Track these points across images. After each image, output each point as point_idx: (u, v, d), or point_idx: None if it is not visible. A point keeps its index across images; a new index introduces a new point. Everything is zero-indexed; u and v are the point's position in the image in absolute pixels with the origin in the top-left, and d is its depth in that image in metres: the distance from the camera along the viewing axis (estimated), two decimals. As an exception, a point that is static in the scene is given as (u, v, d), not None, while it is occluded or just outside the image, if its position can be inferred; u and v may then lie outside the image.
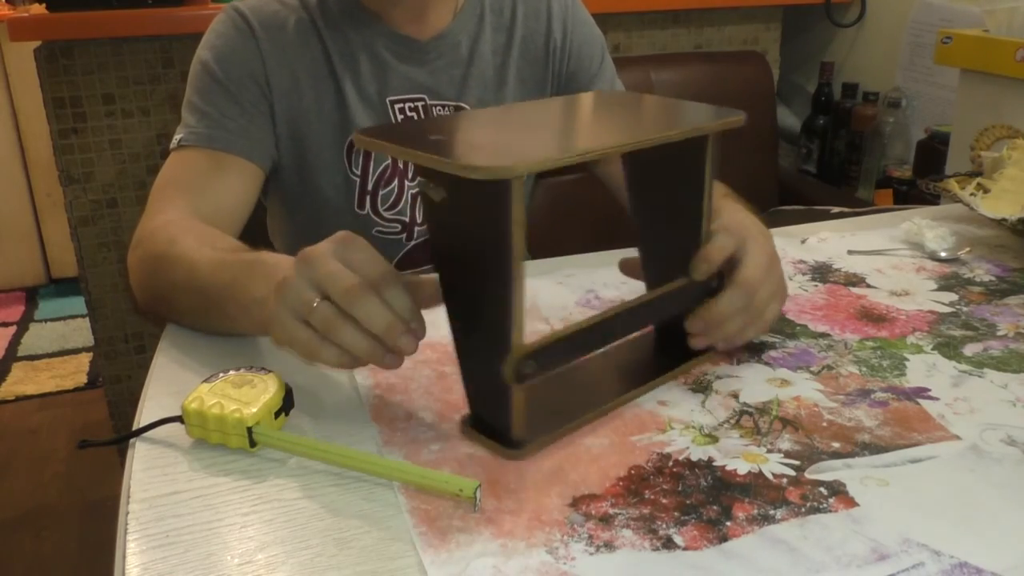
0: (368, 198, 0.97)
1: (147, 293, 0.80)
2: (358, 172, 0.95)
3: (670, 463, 0.56)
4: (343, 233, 0.58)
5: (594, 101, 0.72)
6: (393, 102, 0.96)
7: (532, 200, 1.09)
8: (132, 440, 0.60)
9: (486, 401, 0.58)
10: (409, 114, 0.96)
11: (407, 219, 0.99)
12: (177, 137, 0.90)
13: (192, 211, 0.83)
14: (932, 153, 1.69)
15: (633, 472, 0.55)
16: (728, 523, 0.51)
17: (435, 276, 0.58)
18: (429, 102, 0.97)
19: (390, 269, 0.57)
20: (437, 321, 0.58)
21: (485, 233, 0.53)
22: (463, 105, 0.98)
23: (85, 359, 2.51)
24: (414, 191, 0.98)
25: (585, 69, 1.04)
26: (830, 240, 0.98)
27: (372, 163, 0.96)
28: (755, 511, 0.52)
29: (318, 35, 0.93)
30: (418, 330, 0.57)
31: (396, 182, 0.97)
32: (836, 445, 0.58)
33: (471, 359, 0.58)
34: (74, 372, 2.44)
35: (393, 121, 0.96)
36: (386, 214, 0.98)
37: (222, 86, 0.90)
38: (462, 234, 0.55)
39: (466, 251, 0.55)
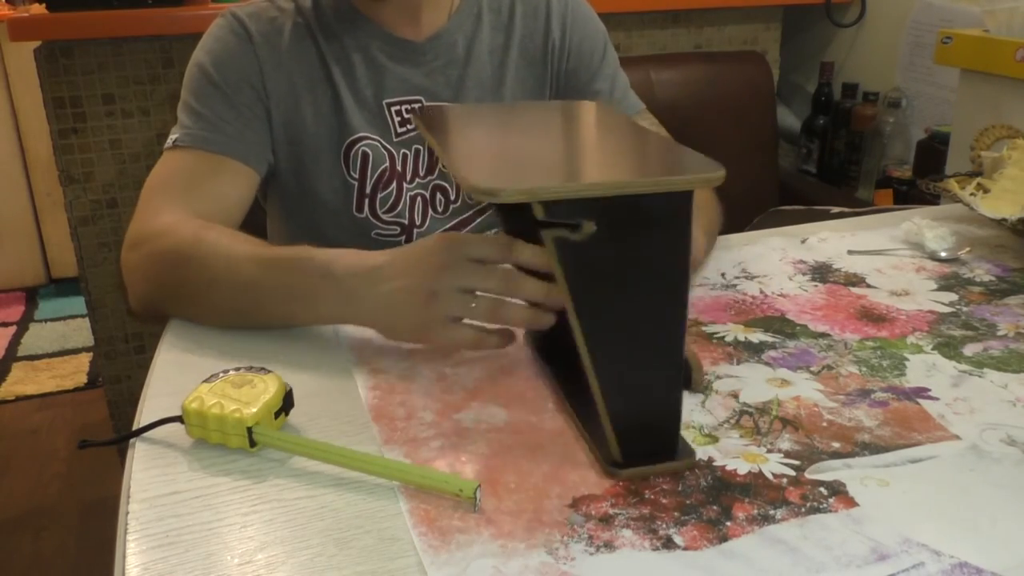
0: (367, 201, 0.97)
1: (157, 292, 0.79)
2: (356, 175, 0.96)
3: (670, 463, 0.56)
4: (439, 236, 0.67)
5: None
6: (389, 104, 0.96)
7: None
8: (132, 440, 0.60)
9: (645, 428, 0.55)
10: (406, 116, 0.96)
11: (406, 221, 0.98)
12: (172, 137, 0.90)
13: (190, 212, 0.83)
14: (932, 153, 1.69)
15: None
16: (728, 523, 0.51)
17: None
18: (426, 103, 0.97)
19: (502, 241, 0.64)
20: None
21: (656, 254, 0.50)
22: None
23: (85, 359, 2.51)
24: (412, 193, 0.98)
25: (586, 66, 1.04)
26: (830, 240, 0.98)
27: (370, 166, 0.96)
28: (755, 511, 0.52)
29: (314, 40, 0.93)
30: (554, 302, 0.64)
31: (394, 184, 0.97)
32: (836, 445, 0.58)
33: (624, 393, 0.54)
34: (74, 372, 2.44)
35: (390, 124, 0.96)
36: (385, 216, 0.98)
37: (219, 90, 0.90)
38: (618, 266, 0.51)
39: (626, 282, 0.51)
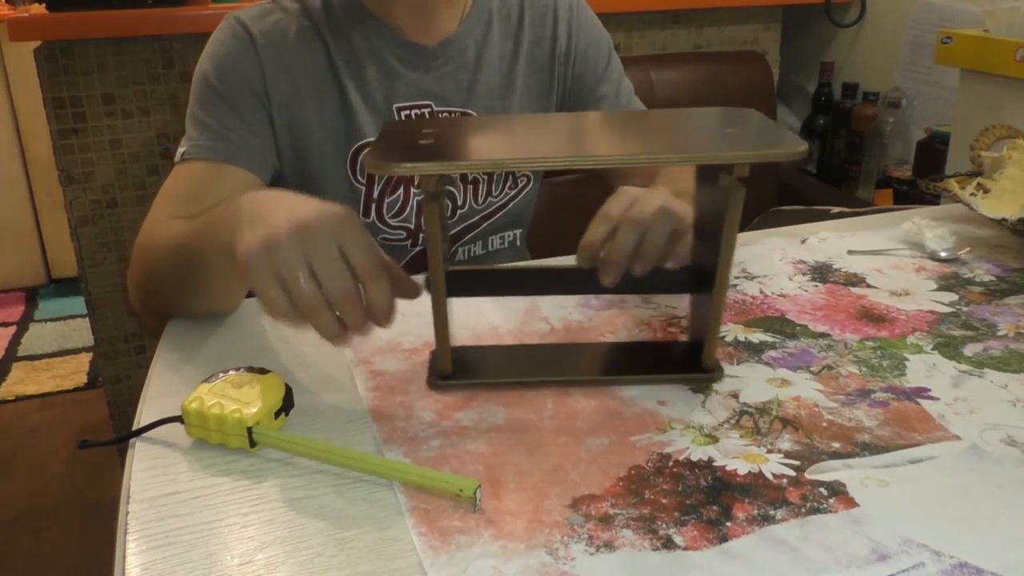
0: (373, 206, 0.96)
1: (140, 294, 0.82)
2: (363, 180, 0.95)
3: (670, 463, 0.56)
4: (345, 213, 0.60)
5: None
6: (400, 109, 0.95)
7: (538, 201, 1.09)
8: (132, 440, 0.60)
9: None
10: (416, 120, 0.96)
11: (412, 226, 0.98)
12: (180, 150, 0.90)
13: None
14: (932, 153, 1.69)
15: (633, 472, 0.55)
16: (728, 523, 0.51)
17: (418, 278, 0.64)
18: (436, 108, 0.97)
19: (380, 264, 0.60)
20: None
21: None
22: (469, 112, 0.98)
23: (85, 359, 2.51)
24: (419, 198, 0.98)
25: (591, 72, 1.04)
26: (830, 240, 0.98)
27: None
28: (755, 511, 0.52)
29: (322, 42, 0.93)
30: (387, 324, 0.61)
31: (402, 189, 0.97)
32: (836, 445, 0.58)
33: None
34: (74, 372, 2.44)
35: None
36: (391, 221, 0.98)
37: (221, 97, 0.90)
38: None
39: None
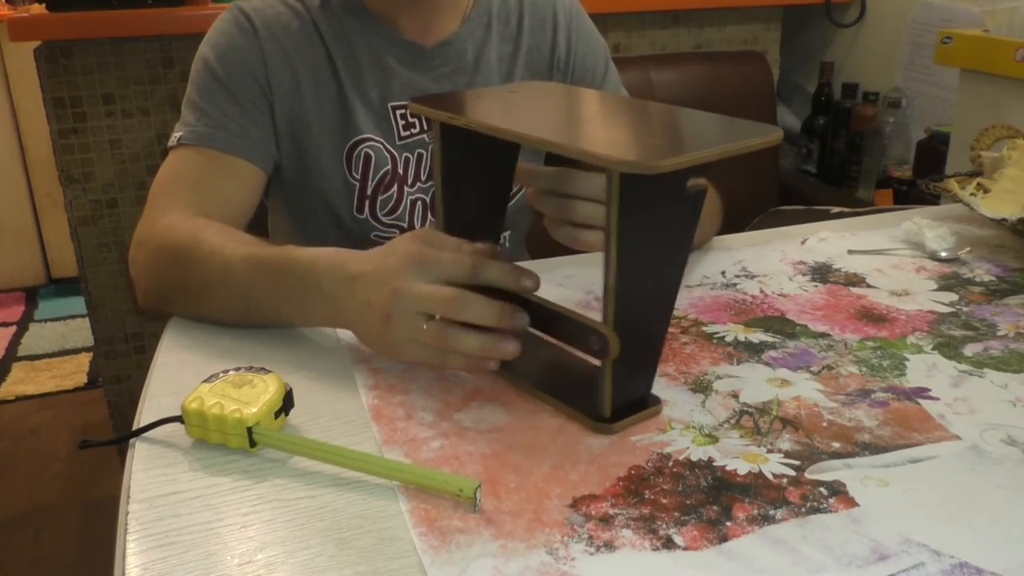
0: (367, 202, 0.96)
1: (161, 289, 0.80)
2: (358, 176, 0.95)
3: (670, 463, 0.56)
4: (414, 244, 0.65)
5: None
6: (395, 107, 0.96)
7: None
8: (132, 440, 0.60)
9: (633, 373, 0.62)
10: (411, 120, 0.96)
11: (405, 224, 0.98)
12: (176, 135, 0.89)
13: (197, 211, 0.83)
14: (932, 153, 1.69)
15: (633, 472, 0.55)
16: (728, 523, 0.51)
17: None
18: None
19: (476, 253, 0.64)
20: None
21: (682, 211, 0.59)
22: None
23: (85, 359, 2.51)
24: (413, 197, 0.98)
25: (589, 80, 1.05)
26: (830, 240, 0.98)
27: (372, 168, 0.96)
28: (755, 511, 0.52)
29: (321, 38, 0.93)
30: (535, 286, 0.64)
31: (395, 188, 0.97)
32: (836, 445, 0.58)
33: (627, 332, 0.60)
34: (74, 372, 2.44)
35: (394, 126, 0.96)
36: (385, 219, 0.98)
37: (223, 85, 0.90)
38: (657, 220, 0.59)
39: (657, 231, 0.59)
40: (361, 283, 0.66)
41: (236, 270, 0.73)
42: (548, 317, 0.64)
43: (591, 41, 1.06)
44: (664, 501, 0.53)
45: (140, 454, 0.58)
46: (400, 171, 0.97)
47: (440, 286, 0.62)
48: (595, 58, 1.05)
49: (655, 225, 0.57)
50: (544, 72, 1.03)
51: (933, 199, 1.13)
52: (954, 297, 0.83)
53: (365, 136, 0.94)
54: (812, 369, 0.69)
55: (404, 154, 0.97)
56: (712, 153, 0.55)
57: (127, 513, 0.52)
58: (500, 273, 0.63)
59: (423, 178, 0.98)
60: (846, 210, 1.13)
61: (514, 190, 1.04)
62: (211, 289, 0.74)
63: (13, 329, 2.72)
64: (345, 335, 0.74)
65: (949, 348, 0.72)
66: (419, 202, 0.98)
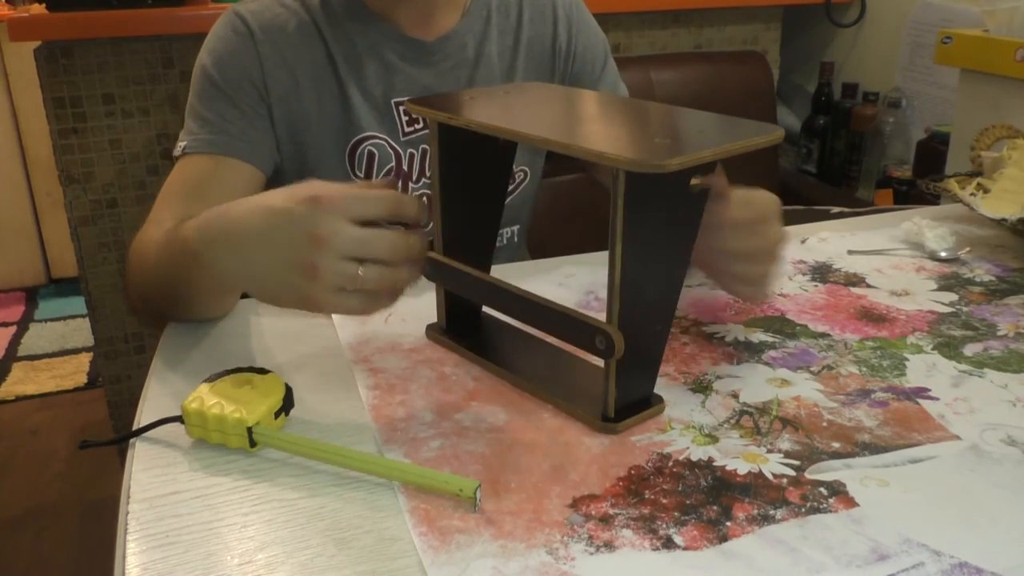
0: None
1: (137, 297, 0.82)
2: (361, 174, 0.95)
3: (670, 463, 0.56)
4: (313, 188, 0.60)
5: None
6: (398, 103, 0.96)
7: (535, 200, 1.09)
8: (132, 440, 0.60)
9: (636, 372, 0.62)
10: (415, 116, 0.96)
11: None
12: (180, 145, 0.90)
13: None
14: (932, 153, 1.69)
15: (633, 472, 0.55)
16: (728, 523, 0.51)
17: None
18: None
19: (383, 187, 0.62)
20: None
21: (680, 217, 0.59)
22: None
23: (85, 359, 2.51)
24: (418, 192, 0.98)
25: (588, 72, 1.05)
26: (830, 240, 0.98)
27: (376, 165, 0.96)
28: (755, 511, 0.52)
29: (321, 37, 0.93)
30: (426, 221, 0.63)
31: (400, 184, 0.97)
32: (836, 445, 0.58)
33: (631, 332, 0.60)
34: (74, 372, 2.44)
35: (397, 123, 0.96)
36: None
37: (221, 91, 0.90)
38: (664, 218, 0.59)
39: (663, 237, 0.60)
40: (253, 240, 0.62)
41: (151, 254, 0.74)
42: (549, 317, 0.64)
43: (591, 34, 1.06)
44: (664, 501, 0.53)
45: (140, 454, 0.58)
46: (404, 168, 0.97)
47: (368, 228, 0.59)
48: (595, 51, 1.05)
49: (660, 224, 0.58)
50: (546, 64, 1.03)
51: (933, 199, 1.13)
52: (954, 297, 0.83)
53: (368, 134, 0.95)
54: (812, 369, 0.69)
55: (408, 150, 0.97)
56: (717, 152, 0.55)
57: (127, 513, 0.52)
58: (415, 203, 0.62)
59: (428, 174, 0.98)
60: (846, 210, 1.13)
61: (517, 180, 1.04)
62: (149, 283, 0.76)
63: (13, 329, 2.72)
64: (345, 335, 0.74)
65: (949, 348, 0.72)
66: (424, 198, 0.98)
